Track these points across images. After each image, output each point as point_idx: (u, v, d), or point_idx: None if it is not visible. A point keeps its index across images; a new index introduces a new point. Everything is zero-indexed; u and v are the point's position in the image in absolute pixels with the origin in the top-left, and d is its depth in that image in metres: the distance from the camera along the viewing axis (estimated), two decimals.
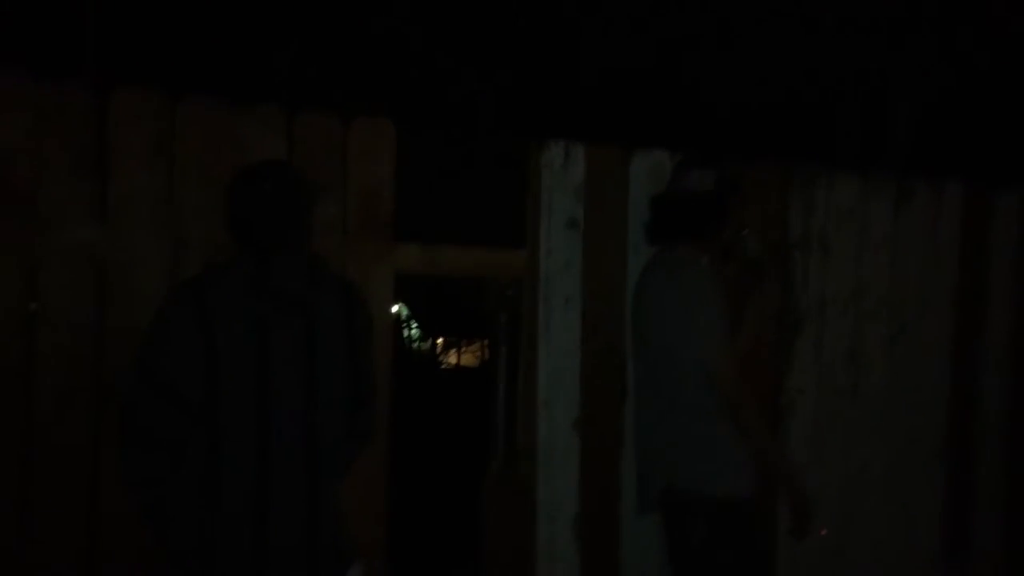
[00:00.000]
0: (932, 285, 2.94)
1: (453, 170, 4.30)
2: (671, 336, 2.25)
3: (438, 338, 17.65)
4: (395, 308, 2.55)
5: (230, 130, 2.13)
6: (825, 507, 2.71)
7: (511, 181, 2.54)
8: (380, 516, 2.32)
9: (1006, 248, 3.07)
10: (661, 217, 2.42)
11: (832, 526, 2.78)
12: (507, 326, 2.59)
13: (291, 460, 1.76)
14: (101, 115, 1.99)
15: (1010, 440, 3.04)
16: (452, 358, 18.08)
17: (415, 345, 16.92)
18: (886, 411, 2.87)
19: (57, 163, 1.97)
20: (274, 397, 1.73)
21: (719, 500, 2.23)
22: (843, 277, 2.83)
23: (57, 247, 1.99)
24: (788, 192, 2.76)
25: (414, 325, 16.78)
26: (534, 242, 2.49)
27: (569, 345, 2.51)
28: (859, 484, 2.85)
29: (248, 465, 1.72)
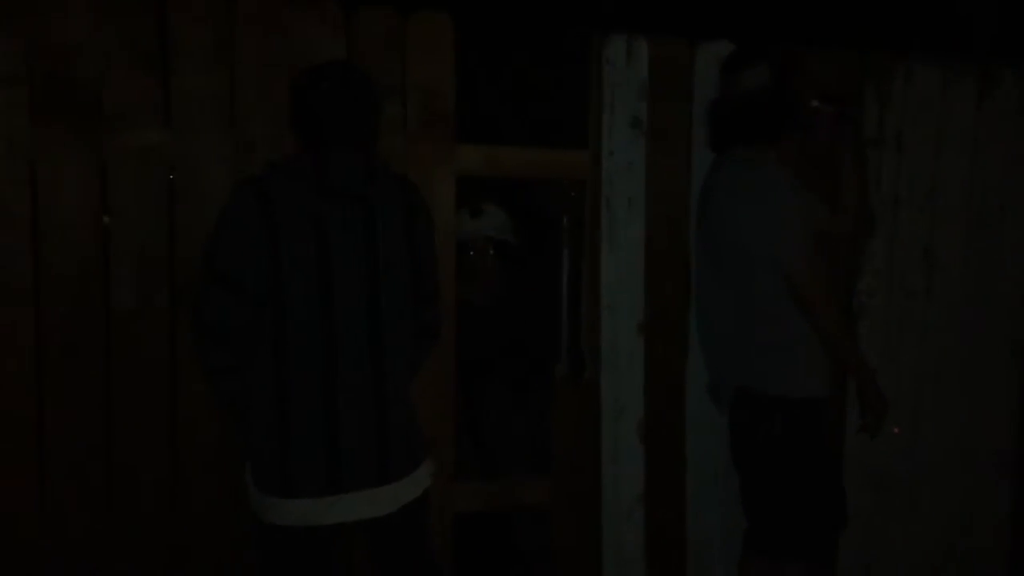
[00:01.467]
0: (1015, 180, 2.79)
1: (515, 68, 4.20)
2: (744, 235, 2.19)
3: None
4: None
5: (289, 27, 2.11)
6: (899, 407, 2.66)
7: (574, 79, 2.47)
8: (448, 415, 2.35)
9: None
10: (720, 125, 2.34)
11: (904, 426, 2.73)
12: (571, 229, 2.56)
13: (358, 352, 1.79)
14: (161, 12, 1.97)
15: None
16: None
17: None
18: (962, 312, 2.78)
19: (120, 61, 1.97)
20: (338, 289, 1.75)
21: (793, 400, 2.20)
22: (919, 175, 2.72)
23: (124, 147, 2.00)
24: (861, 84, 2.64)
25: None
26: (596, 142, 2.44)
27: (633, 248, 2.47)
28: (933, 384, 2.78)
29: (316, 356, 1.75)
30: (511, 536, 2.74)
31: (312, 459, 1.76)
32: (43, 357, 2.00)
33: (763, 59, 2.26)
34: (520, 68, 4.15)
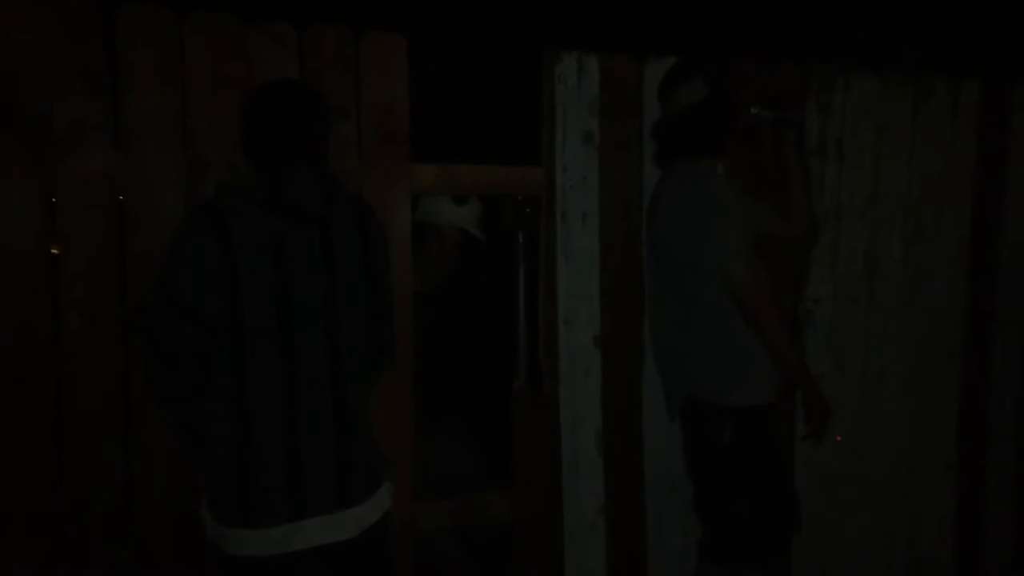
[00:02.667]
0: (949, 187, 2.90)
1: (467, 86, 4.21)
2: (687, 247, 2.22)
3: None
4: None
5: (240, 47, 2.08)
6: (842, 414, 2.74)
7: (526, 96, 2.49)
8: (408, 435, 2.33)
9: None
10: (663, 142, 2.38)
11: (848, 433, 2.81)
12: (526, 244, 2.57)
13: (318, 374, 1.77)
14: (109, 32, 1.93)
15: None
16: None
17: None
18: (902, 317, 2.87)
19: (67, 84, 1.92)
20: (297, 312, 1.74)
21: (740, 408, 2.24)
22: (860, 183, 2.80)
23: (73, 170, 1.95)
24: (803, 94, 2.72)
25: None
26: (550, 158, 2.46)
27: (588, 261, 2.50)
28: (876, 390, 2.87)
29: (275, 378, 1.73)
30: (473, 552, 2.72)
31: (274, 487, 1.73)
32: None
33: (697, 74, 2.29)
34: (473, 86, 4.18)
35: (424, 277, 2.60)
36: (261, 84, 1.82)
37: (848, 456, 2.84)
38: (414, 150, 2.28)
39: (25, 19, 1.89)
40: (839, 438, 2.25)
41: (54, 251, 1.97)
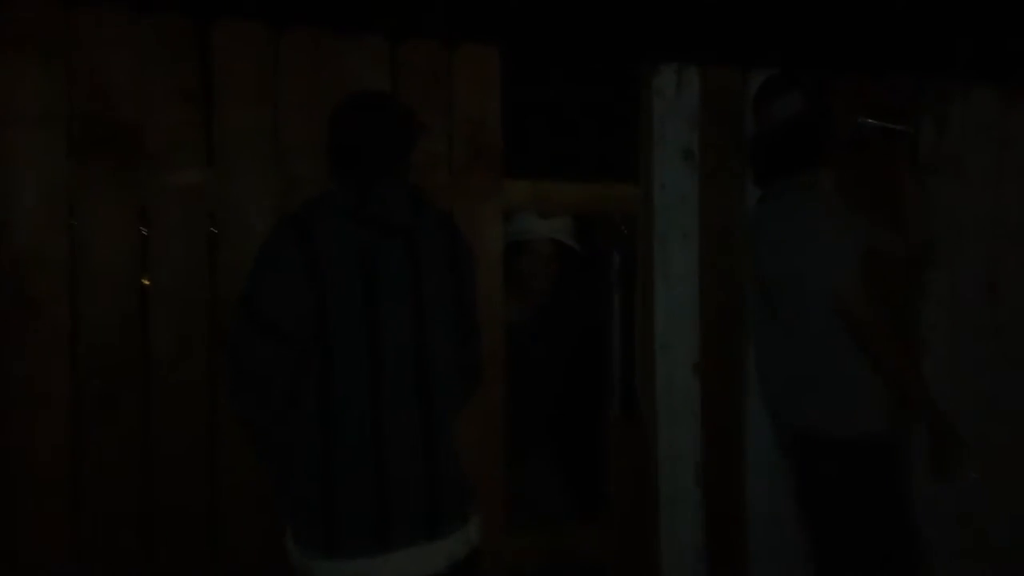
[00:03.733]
0: None
1: (564, 101, 4.11)
2: (793, 268, 2.08)
3: None
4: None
5: (335, 61, 2.04)
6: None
7: (624, 110, 2.40)
8: (497, 466, 2.23)
9: None
10: (760, 159, 2.26)
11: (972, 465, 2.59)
12: (622, 266, 2.46)
13: (404, 390, 1.69)
14: (204, 49, 1.91)
15: None
16: None
17: None
18: None
19: (162, 100, 1.90)
20: (383, 326, 1.66)
21: (855, 440, 2.08)
22: (980, 202, 2.61)
23: (165, 187, 1.92)
24: (918, 108, 2.54)
25: None
26: (648, 175, 2.36)
27: (687, 284, 2.38)
28: (998, 421, 2.64)
29: (362, 396, 1.65)
30: None
31: (360, 515, 1.65)
32: (79, 410, 1.90)
33: (794, 86, 2.17)
34: (568, 100, 4.08)
35: (521, 301, 2.48)
36: (348, 95, 1.76)
37: (970, 494, 2.61)
38: (507, 166, 2.20)
39: (122, 36, 1.88)
40: (974, 474, 2.06)
41: (144, 281, 1.94)
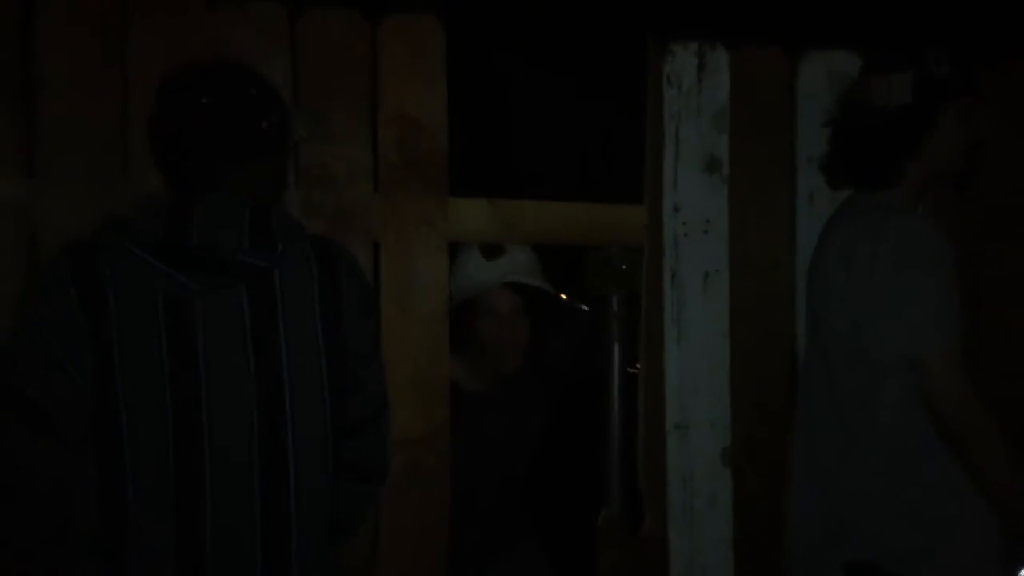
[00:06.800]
0: None
1: (536, 92, 3.37)
2: (865, 320, 1.51)
3: None
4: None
5: (208, 36, 1.54)
6: None
7: (622, 107, 1.83)
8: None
9: None
10: (841, 152, 1.68)
11: None
12: (622, 314, 1.86)
13: (243, 508, 1.19)
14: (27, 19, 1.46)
15: None
16: None
17: None
18: None
19: None
20: (209, 420, 1.17)
21: None
22: None
23: None
24: None
25: None
26: (655, 192, 1.81)
27: (712, 341, 1.82)
28: None
29: (169, 518, 1.16)
30: None
31: None
32: None
33: (908, 66, 1.57)
34: (545, 91, 3.35)
35: (481, 372, 1.91)
36: (181, 67, 1.27)
37: None
38: (455, 182, 1.69)
39: None
40: None
41: None
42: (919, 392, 1.47)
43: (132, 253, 1.15)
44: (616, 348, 1.88)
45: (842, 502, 1.58)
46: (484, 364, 1.89)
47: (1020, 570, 1.54)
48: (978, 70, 1.61)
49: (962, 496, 1.49)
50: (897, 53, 1.62)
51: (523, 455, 1.97)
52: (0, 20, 1.47)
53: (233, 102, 1.23)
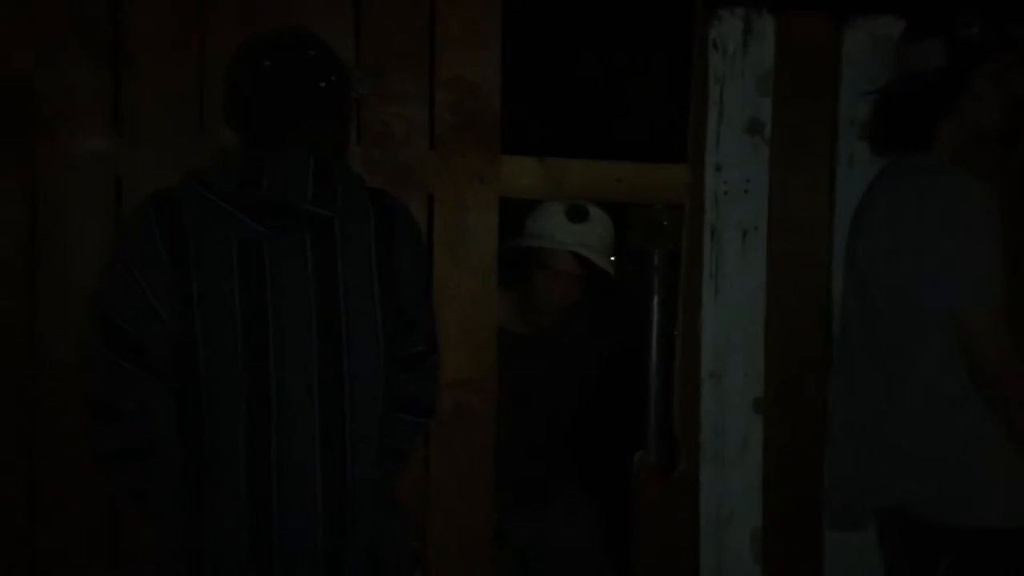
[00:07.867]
0: None
1: (589, 54, 3.42)
2: (909, 275, 1.55)
3: None
4: None
5: (276, 4, 1.64)
6: None
7: (667, 70, 1.88)
8: (481, 521, 1.79)
9: None
10: (881, 117, 1.72)
11: None
12: (662, 270, 1.94)
13: (305, 440, 1.29)
14: None
15: None
16: None
17: None
18: None
19: (59, 49, 1.57)
20: (275, 346, 1.27)
21: (976, 532, 1.52)
22: None
23: (61, 155, 1.60)
24: None
25: None
26: (699, 152, 1.86)
27: (749, 295, 1.87)
28: None
29: (235, 444, 1.27)
30: None
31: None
32: None
33: (939, 31, 1.60)
34: (595, 53, 3.39)
35: (524, 318, 2.01)
36: (252, 36, 1.37)
37: None
38: (508, 140, 1.76)
39: None
40: None
41: None
42: (962, 344, 1.49)
43: (209, 201, 1.26)
44: (655, 300, 1.97)
45: (881, 450, 1.63)
46: (526, 309, 1.98)
47: None
48: (1015, 29, 1.62)
49: (999, 444, 1.51)
50: (931, 17, 1.65)
51: (566, 403, 2.06)
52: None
53: (293, 64, 1.32)
